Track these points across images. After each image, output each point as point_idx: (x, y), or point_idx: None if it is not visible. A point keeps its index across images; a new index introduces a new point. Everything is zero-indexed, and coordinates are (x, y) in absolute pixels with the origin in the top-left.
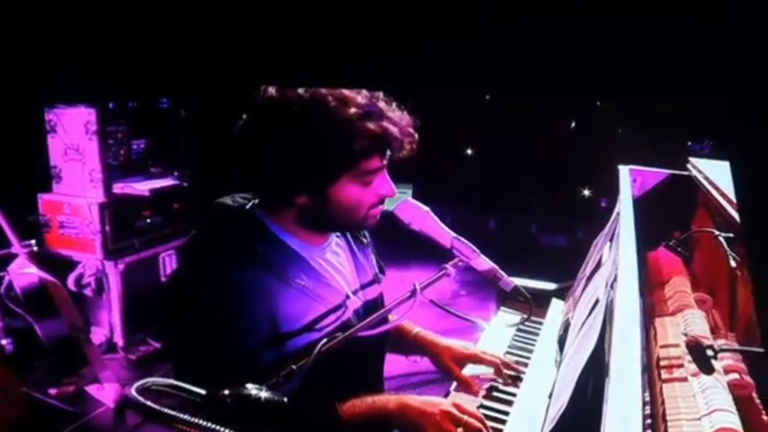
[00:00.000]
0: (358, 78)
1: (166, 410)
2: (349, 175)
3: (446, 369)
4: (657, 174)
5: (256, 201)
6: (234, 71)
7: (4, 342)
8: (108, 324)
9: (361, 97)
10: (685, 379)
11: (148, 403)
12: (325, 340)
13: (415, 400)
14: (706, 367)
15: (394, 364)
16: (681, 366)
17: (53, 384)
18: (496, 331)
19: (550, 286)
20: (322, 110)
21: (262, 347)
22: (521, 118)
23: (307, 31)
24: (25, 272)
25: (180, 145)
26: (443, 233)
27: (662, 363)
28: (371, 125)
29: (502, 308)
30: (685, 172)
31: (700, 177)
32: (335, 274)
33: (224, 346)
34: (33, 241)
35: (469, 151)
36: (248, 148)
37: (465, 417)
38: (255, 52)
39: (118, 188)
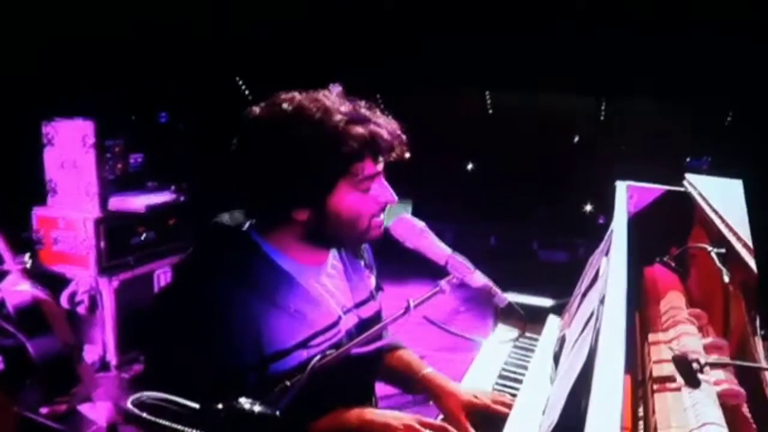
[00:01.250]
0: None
1: (164, 422)
2: (345, 181)
3: (452, 416)
4: (654, 190)
5: (254, 222)
6: (231, 86)
7: None
8: (101, 342)
9: (343, 106)
10: (678, 389)
11: (145, 415)
12: (318, 357)
13: (377, 413)
14: (692, 381)
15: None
16: (674, 381)
17: (45, 402)
18: (492, 348)
19: (548, 302)
20: (307, 121)
21: (247, 369)
22: (523, 132)
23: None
24: (18, 289)
25: (178, 160)
26: (438, 251)
27: (655, 377)
28: (358, 128)
29: (499, 324)
30: (682, 188)
31: (694, 193)
32: (328, 296)
33: (206, 367)
34: (27, 256)
35: (470, 166)
36: (241, 169)
37: (426, 431)
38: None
39: (114, 203)
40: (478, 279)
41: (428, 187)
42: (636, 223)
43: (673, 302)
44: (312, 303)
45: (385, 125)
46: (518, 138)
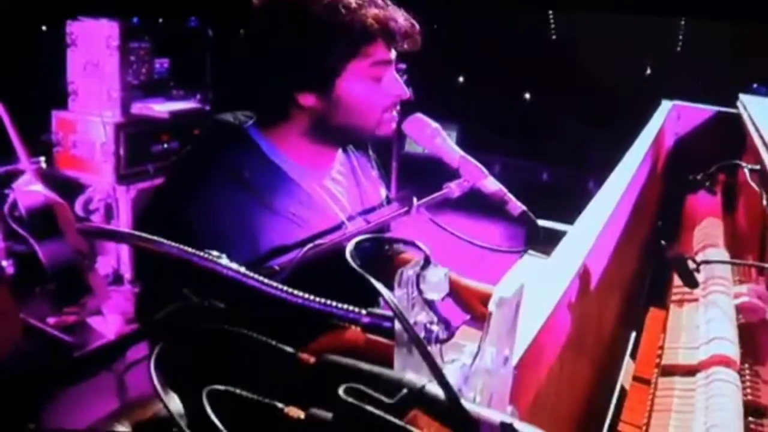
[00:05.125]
0: None
1: None
2: (356, 64)
3: (471, 309)
4: (703, 111)
5: (256, 119)
6: None
7: (4, 263)
8: (115, 253)
9: None
10: (696, 300)
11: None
12: (311, 245)
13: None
14: (689, 281)
15: None
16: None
17: (53, 312)
18: (516, 276)
19: None
20: (320, 0)
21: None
22: (588, 62)
23: None
24: (30, 190)
25: (205, 67)
26: (450, 152)
27: (674, 300)
28: (372, 9)
29: (529, 252)
30: (735, 110)
31: (746, 116)
32: (332, 202)
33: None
34: (42, 158)
35: (527, 96)
36: (249, 48)
37: None
38: None
39: (137, 109)
40: (491, 184)
41: (477, 115)
42: (682, 146)
43: (709, 228)
44: (312, 208)
45: (399, 12)
46: (582, 68)
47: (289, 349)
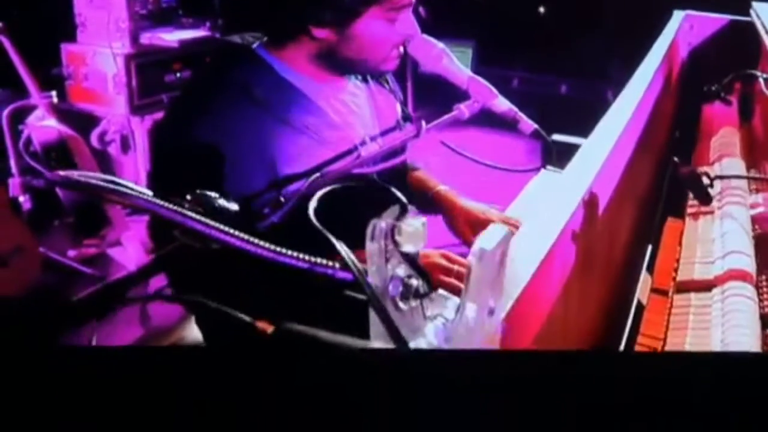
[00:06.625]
0: None
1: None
2: (375, 8)
3: (459, 233)
4: (716, 20)
5: (265, 39)
6: None
7: (21, 199)
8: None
9: None
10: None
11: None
12: (317, 175)
13: None
14: (703, 197)
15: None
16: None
17: (73, 245)
18: (532, 194)
19: None
20: None
21: (258, 192)
22: None
23: None
24: (44, 125)
25: None
26: (458, 73)
27: (689, 213)
28: None
29: (547, 167)
30: (749, 18)
31: (759, 24)
32: (350, 116)
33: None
34: (53, 93)
35: (541, 9)
36: None
37: (455, 267)
38: None
39: (146, 39)
40: (501, 104)
41: (493, 31)
42: (696, 56)
43: (725, 137)
44: (327, 121)
45: None
46: None
47: (247, 319)
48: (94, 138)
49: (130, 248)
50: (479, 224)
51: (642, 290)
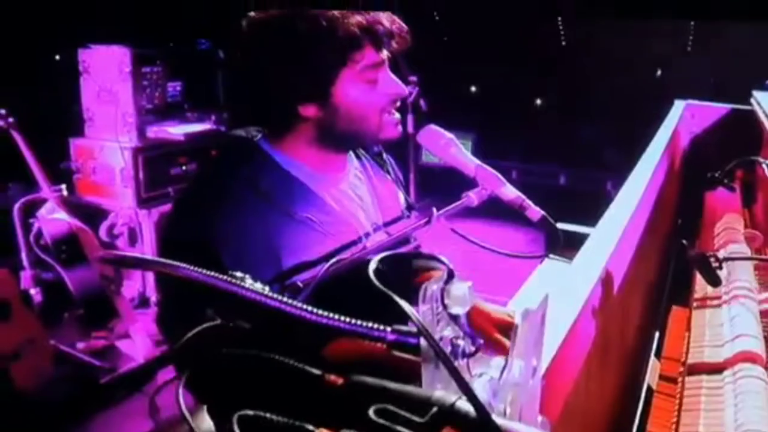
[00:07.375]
0: None
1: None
2: (347, 71)
3: (484, 332)
4: (717, 109)
5: (265, 132)
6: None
7: (32, 291)
8: (140, 277)
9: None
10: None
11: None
12: (333, 261)
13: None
14: (712, 279)
15: None
16: (717, 299)
17: (82, 337)
18: (538, 282)
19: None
20: (302, 15)
21: (265, 283)
22: (598, 65)
23: None
24: (54, 217)
25: (218, 89)
26: (466, 162)
27: (697, 297)
28: (354, 18)
29: (549, 257)
30: (749, 107)
31: (760, 112)
32: (351, 207)
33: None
34: (63, 186)
35: (538, 102)
36: (243, 71)
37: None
38: None
39: (153, 133)
40: (509, 191)
41: (492, 123)
42: (697, 144)
43: (729, 223)
44: (329, 212)
45: (383, 15)
46: (593, 72)
47: (316, 371)
48: (102, 231)
49: (137, 340)
50: (505, 325)
51: (651, 376)
